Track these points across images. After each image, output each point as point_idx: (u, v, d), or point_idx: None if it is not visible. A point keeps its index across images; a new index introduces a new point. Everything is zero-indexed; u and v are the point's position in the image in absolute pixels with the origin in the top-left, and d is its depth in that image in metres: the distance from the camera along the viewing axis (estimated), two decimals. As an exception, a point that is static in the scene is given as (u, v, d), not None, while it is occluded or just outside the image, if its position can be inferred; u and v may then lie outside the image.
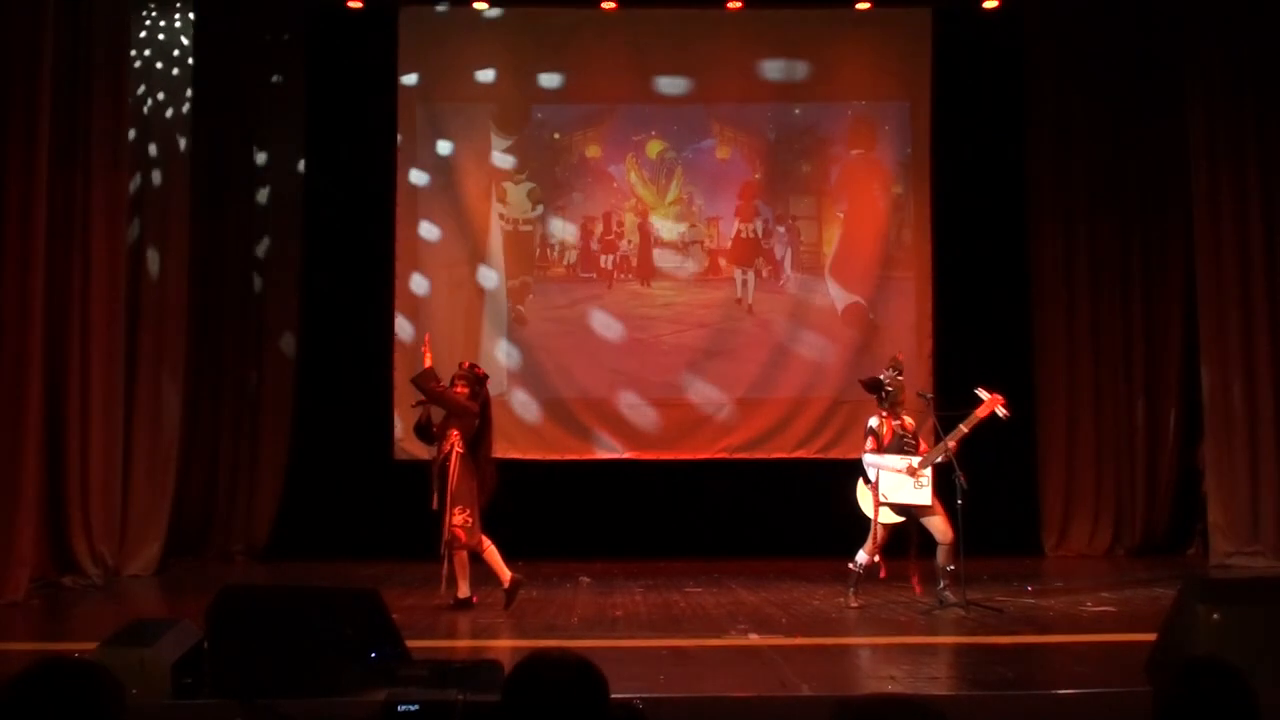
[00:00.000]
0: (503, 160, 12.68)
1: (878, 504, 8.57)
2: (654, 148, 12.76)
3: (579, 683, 2.54)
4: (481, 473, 8.76)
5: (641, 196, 12.72)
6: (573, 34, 12.74)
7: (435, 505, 8.66)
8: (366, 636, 5.28)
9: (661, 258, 12.68)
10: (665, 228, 12.70)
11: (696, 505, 12.27)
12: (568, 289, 12.64)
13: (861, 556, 8.63)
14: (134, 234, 11.06)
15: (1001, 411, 8.50)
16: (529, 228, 12.66)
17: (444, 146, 12.66)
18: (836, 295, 12.66)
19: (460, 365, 9.14)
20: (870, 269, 12.65)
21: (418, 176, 12.64)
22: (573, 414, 12.46)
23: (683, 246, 12.68)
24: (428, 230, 12.61)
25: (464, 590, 8.62)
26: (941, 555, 8.49)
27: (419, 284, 12.57)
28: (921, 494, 8.47)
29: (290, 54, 12.60)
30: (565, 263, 12.66)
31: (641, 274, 12.66)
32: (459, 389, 8.81)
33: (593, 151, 12.75)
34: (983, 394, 8.56)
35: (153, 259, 11.31)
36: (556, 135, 12.73)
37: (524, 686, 2.54)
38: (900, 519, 8.61)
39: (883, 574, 8.74)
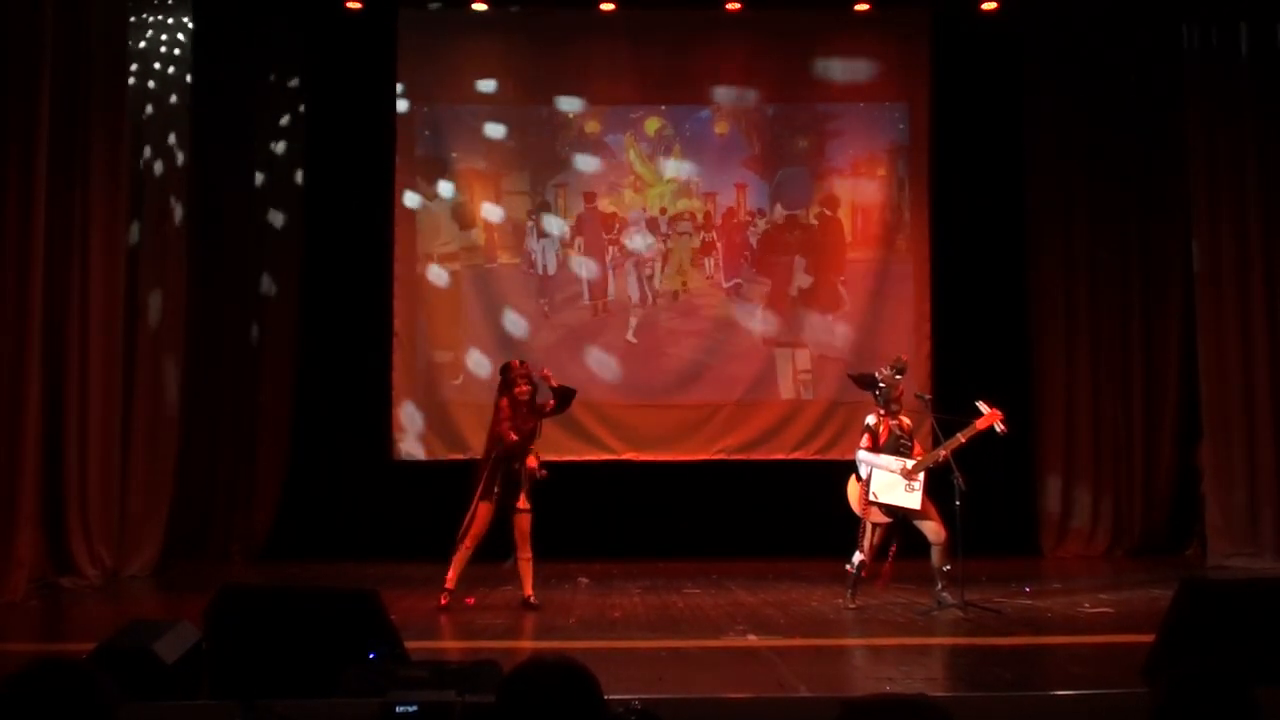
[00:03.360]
0: (501, 158, 12.68)
1: (866, 502, 8.55)
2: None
3: (571, 689, 2.54)
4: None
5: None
6: (571, 34, 12.75)
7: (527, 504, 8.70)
8: (365, 637, 5.28)
9: (655, 248, 12.67)
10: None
11: (695, 506, 12.27)
12: (567, 285, 12.65)
13: (858, 557, 8.62)
14: (133, 235, 11.05)
15: (999, 427, 8.45)
16: (527, 224, 12.65)
17: (443, 145, 12.66)
18: (834, 296, 12.66)
19: (516, 365, 9.00)
20: (868, 270, 12.66)
21: (416, 175, 12.64)
22: (571, 414, 12.43)
23: (679, 232, 12.66)
24: (426, 228, 12.62)
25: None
26: (936, 557, 8.48)
27: (418, 282, 12.57)
28: (911, 498, 8.42)
29: (289, 54, 12.62)
30: (564, 257, 12.66)
31: (636, 267, 12.66)
32: (523, 389, 8.74)
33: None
34: (983, 407, 8.50)
35: (151, 260, 11.30)
36: (554, 131, 12.73)
37: (516, 693, 2.55)
38: (888, 519, 8.57)
39: (865, 573, 8.68)
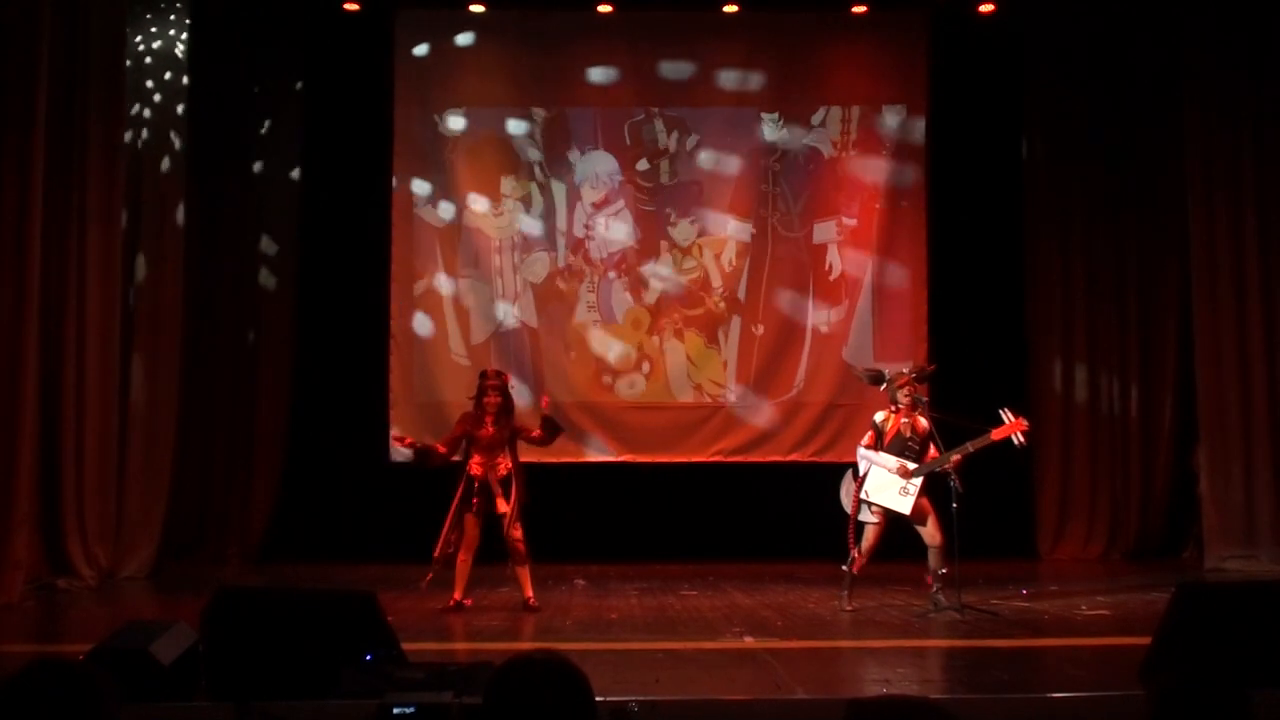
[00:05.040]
0: (499, 159, 12.67)
1: (857, 499, 8.50)
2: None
3: (560, 685, 2.53)
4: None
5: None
6: (569, 36, 12.75)
7: (502, 509, 8.63)
8: (362, 639, 5.28)
9: (655, 250, 12.67)
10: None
11: (692, 508, 12.28)
12: (562, 288, 12.64)
13: (854, 557, 8.58)
14: (130, 237, 11.04)
15: (1019, 439, 8.37)
16: (524, 226, 12.65)
17: (440, 148, 12.66)
18: (831, 298, 12.66)
19: (491, 374, 8.95)
20: (866, 273, 12.66)
21: (413, 178, 12.64)
22: (568, 416, 12.45)
23: (678, 234, 12.66)
24: (423, 230, 12.61)
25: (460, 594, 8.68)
26: (932, 559, 8.46)
27: (415, 284, 12.57)
28: (904, 501, 8.34)
29: (287, 57, 12.61)
30: (561, 260, 12.66)
31: (635, 270, 12.66)
32: (492, 399, 8.72)
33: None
34: (1007, 416, 8.39)
35: (148, 262, 11.30)
36: (553, 132, 12.73)
37: (506, 689, 2.54)
38: (879, 519, 8.50)
39: (855, 569, 8.60)
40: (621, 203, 12.70)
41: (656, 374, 12.60)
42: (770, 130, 12.75)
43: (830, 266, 12.68)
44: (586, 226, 12.68)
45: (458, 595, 8.66)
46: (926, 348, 12.44)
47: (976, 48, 12.62)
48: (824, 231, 12.73)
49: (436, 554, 8.64)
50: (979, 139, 12.66)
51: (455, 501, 8.69)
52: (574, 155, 12.73)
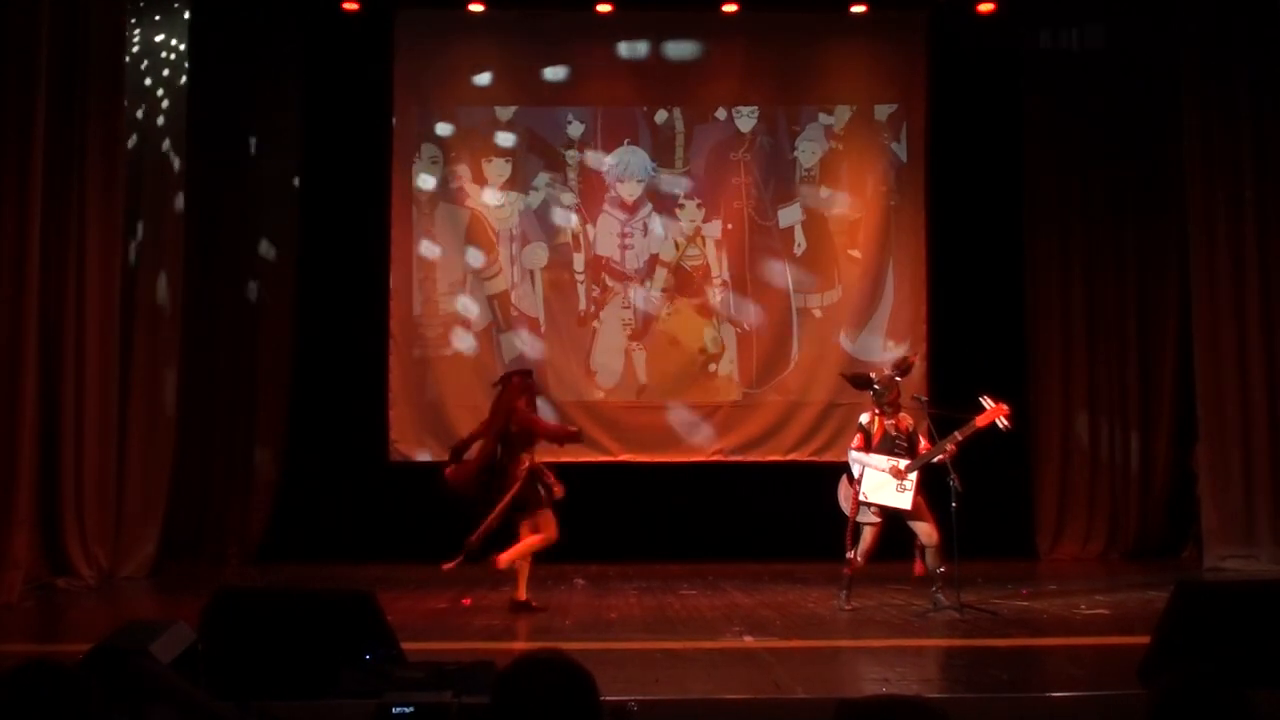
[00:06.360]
0: (499, 160, 12.68)
1: (855, 502, 8.51)
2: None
3: (566, 685, 2.54)
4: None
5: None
6: (568, 35, 12.76)
7: (493, 517, 8.55)
8: (362, 639, 5.28)
9: (654, 250, 12.67)
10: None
11: (691, 508, 12.27)
12: (564, 286, 12.64)
13: (850, 557, 8.58)
14: (129, 237, 11.04)
15: (1003, 423, 8.38)
16: (524, 225, 12.65)
17: (440, 148, 12.67)
18: (830, 299, 12.67)
19: (518, 377, 9.01)
20: (865, 272, 12.66)
21: (413, 178, 12.65)
22: (567, 416, 12.45)
23: (677, 233, 12.65)
24: (423, 231, 12.62)
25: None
26: (930, 559, 8.46)
27: (414, 285, 12.57)
28: (902, 498, 8.34)
29: (286, 57, 12.61)
30: (560, 260, 12.65)
31: (634, 269, 12.66)
32: (523, 402, 8.77)
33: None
34: (987, 402, 8.42)
35: (148, 263, 11.30)
36: (552, 131, 12.73)
37: (512, 689, 2.54)
38: (878, 520, 8.50)
39: (850, 570, 8.59)
40: (621, 203, 12.66)
41: (657, 374, 12.59)
42: (768, 129, 12.74)
43: (828, 267, 12.67)
44: (586, 226, 12.65)
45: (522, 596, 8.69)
46: (926, 348, 12.43)
47: (976, 48, 12.61)
48: (821, 231, 12.69)
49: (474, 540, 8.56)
50: (978, 138, 12.64)
51: (509, 496, 8.58)
52: (573, 155, 12.72)
